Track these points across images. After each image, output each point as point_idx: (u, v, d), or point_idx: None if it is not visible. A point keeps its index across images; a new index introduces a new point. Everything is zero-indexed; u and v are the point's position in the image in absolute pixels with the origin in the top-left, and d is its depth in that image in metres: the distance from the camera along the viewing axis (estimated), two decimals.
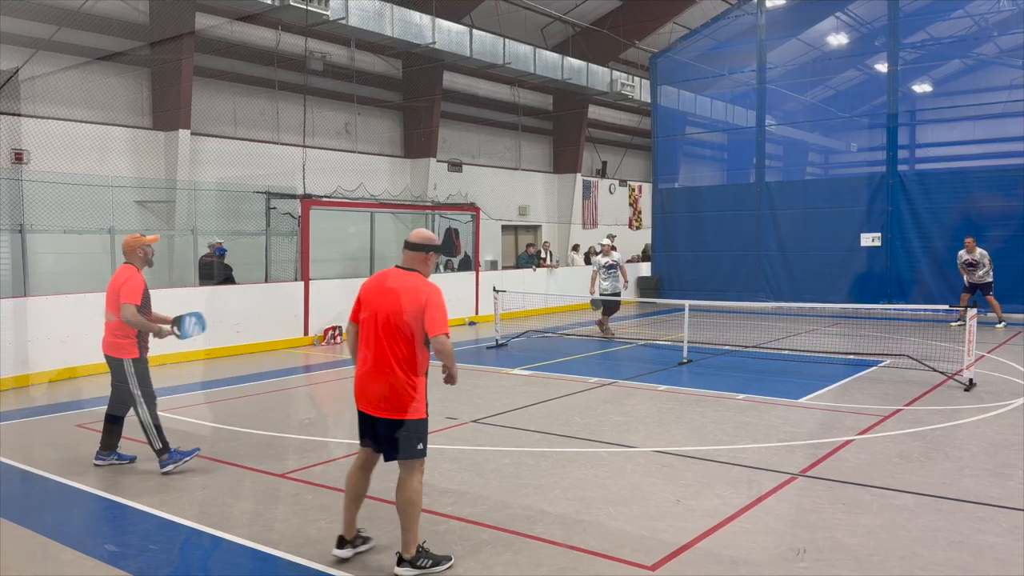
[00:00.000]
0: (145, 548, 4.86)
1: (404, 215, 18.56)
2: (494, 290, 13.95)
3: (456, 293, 16.91)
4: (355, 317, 4.61)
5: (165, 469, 6.24)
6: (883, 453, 6.65)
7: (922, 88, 22.14)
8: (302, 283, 13.91)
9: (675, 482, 5.95)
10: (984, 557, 4.56)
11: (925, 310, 15.77)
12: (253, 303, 13.23)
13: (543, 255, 21.22)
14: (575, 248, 24.01)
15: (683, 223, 21.17)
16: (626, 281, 14.87)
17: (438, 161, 21.63)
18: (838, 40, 21.59)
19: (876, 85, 20.03)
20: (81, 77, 14.79)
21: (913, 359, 10.67)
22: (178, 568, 4.66)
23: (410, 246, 4.53)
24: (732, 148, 22.99)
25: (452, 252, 19.04)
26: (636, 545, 4.76)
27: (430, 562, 4.42)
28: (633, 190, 29.86)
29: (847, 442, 7.02)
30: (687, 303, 12.54)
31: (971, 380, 9.28)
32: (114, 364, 6.29)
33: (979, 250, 14.90)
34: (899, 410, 8.25)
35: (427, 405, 4.47)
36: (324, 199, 14.64)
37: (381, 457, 4.57)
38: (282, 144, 18.00)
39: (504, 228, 24.39)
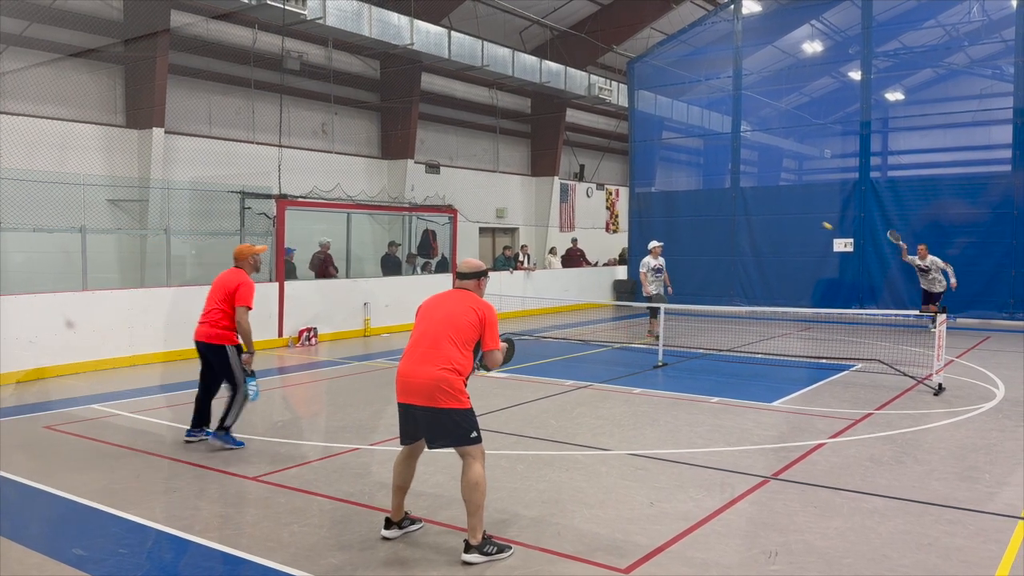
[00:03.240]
0: (114, 552, 4.79)
1: (381, 216, 18.49)
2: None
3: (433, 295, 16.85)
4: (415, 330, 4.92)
5: (214, 441, 7.02)
6: (854, 456, 6.72)
7: (894, 96, 22.48)
8: (277, 284, 13.80)
9: (649, 485, 5.97)
10: (952, 559, 4.62)
11: (896, 315, 15.98)
12: None
13: (520, 258, 21.25)
14: (552, 251, 24.07)
15: (659, 227, 21.27)
16: (670, 287, 14.76)
17: (416, 162, 21.58)
18: (813, 48, 21.86)
19: (850, 92, 20.28)
20: (53, 74, 14.58)
21: (884, 363, 10.81)
22: (147, 572, 4.59)
23: (461, 276, 5.00)
24: (708, 153, 23.16)
25: (429, 254, 18.99)
26: (610, 548, 4.77)
27: (495, 549, 4.62)
28: (610, 194, 29.99)
29: (819, 445, 7.09)
30: (662, 306, 12.61)
31: (940, 385, 9.41)
32: (216, 350, 7.09)
33: (931, 257, 14.85)
34: (870, 414, 8.35)
35: (469, 399, 4.71)
36: (300, 199, 14.54)
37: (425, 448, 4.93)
38: (258, 144, 17.86)
39: (482, 230, 24.38)
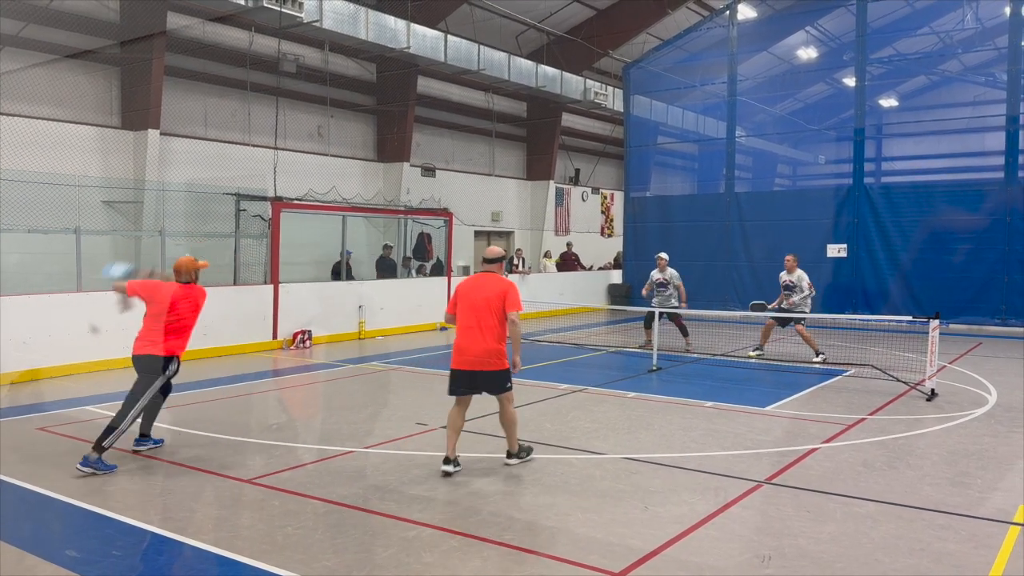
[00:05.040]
0: (108, 554, 4.79)
1: (376, 219, 18.48)
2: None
3: (428, 298, 16.88)
4: (452, 310, 6.59)
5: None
6: (847, 461, 6.75)
7: (888, 102, 22.56)
8: (271, 286, 13.79)
9: (643, 489, 5.99)
10: (943, 564, 4.65)
11: (889, 320, 16.02)
12: (221, 306, 13.06)
13: (515, 262, 21.26)
14: (547, 255, 24.09)
15: (654, 231, 21.33)
16: (684, 301, 13.83)
17: (411, 165, 21.57)
18: (807, 54, 21.95)
19: (844, 99, 20.38)
20: (49, 74, 14.54)
21: (877, 369, 10.86)
22: (141, 574, 4.58)
23: (487, 260, 6.63)
24: (703, 158, 23.24)
25: (424, 257, 19.00)
26: (604, 551, 4.79)
27: (526, 453, 6.70)
28: (605, 198, 30.02)
29: (812, 450, 7.12)
30: (657, 311, 12.64)
31: (933, 390, 9.46)
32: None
33: (799, 271, 12.58)
34: (863, 419, 8.38)
35: (508, 359, 6.42)
36: (295, 201, 14.54)
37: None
38: (253, 146, 17.84)
39: (477, 234, 24.38)
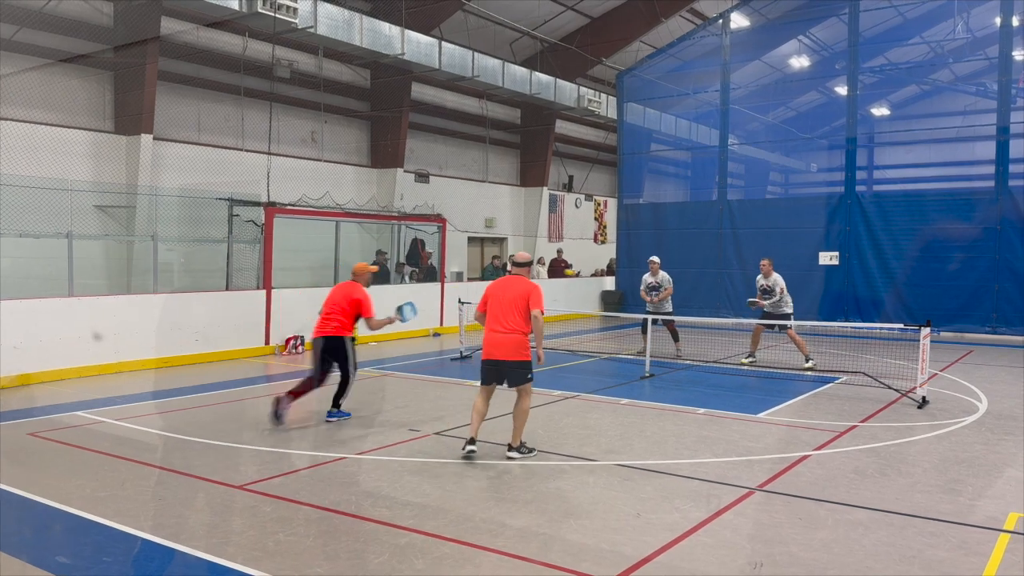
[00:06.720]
0: (98, 560, 4.77)
1: (370, 225, 18.47)
2: (459, 302, 13.91)
3: (421, 304, 16.84)
4: (482, 308, 7.21)
5: (330, 419, 8.49)
6: (839, 469, 6.77)
7: (880, 111, 22.73)
8: (264, 292, 13.77)
9: (635, 495, 5.99)
10: (934, 571, 4.67)
11: (881, 328, 16.09)
12: (213, 311, 13.06)
13: (509, 268, 21.24)
14: (540, 261, 24.13)
15: (647, 238, 21.39)
16: (668, 297, 13.60)
17: (405, 171, 21.59)
18: (800, 62, 22.09)
19: (836, 107, 20.49)
20: (42, 79, 14.51)
21: (869, 376, 10.89)
22: None
23: (516, 264, 7.35)
24: (695, 166, 23.33)
25: (418, 263, 18.99)
26: (596, 558, 4.79)
27: (527, 450, 7.05)
28: (598, 205, 30.10)
29: (804, 457, 7.14)
30: (650, 317, 12.66)
31: (924, 398, 9.49)
32: (338, 342, 8.43)
33: (775, 275, 12.63)
34: (855, 426, 8.41)
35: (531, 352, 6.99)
36: (289, 207, 14.52)
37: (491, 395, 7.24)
38: (247, 151, 17.83)
39: (470, 240, 24.40)
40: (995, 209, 16.82)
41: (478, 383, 7.20)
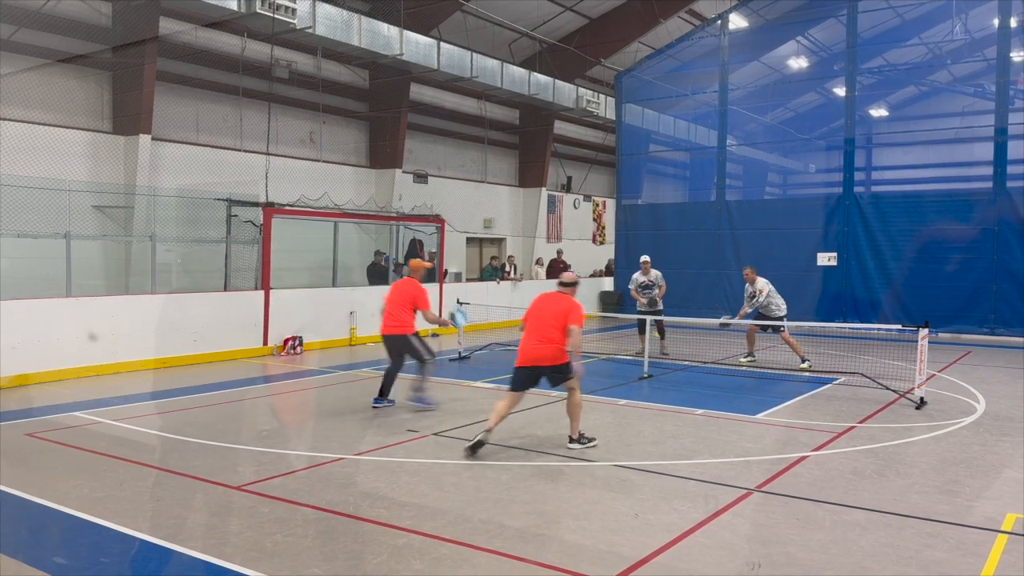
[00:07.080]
0: (95, 561, 4.76)
1: (368, 225, 18.46)
2: (458, 302, 13.92)
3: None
4: (526, 319, 7.58)
5: (419, 405, 9.04)
6: (837, 469, 6.78)
7: (878, 112, 22.74)
8: (262, 292, 13.76)
9: (634, 496, 5.99)
10: (932, 572, 4.67)
11: (879, 329, 16.10)
12: (211, 311, 13.04)
13: (507, 268, 21.26)
14: (539, 262, 24.11)
15: (645, 239, 21.39)
16: (661, 296, 13.76)
17: (404, 172, 21.58)
18: (798, 63, 22.08)
19: (834, 108, 20.50)
20: (40, 79, 14.49)
21: (867, 377, 10.90)
22: None
23: (563, 284, 7.71)
24: (694, 167, 23.34)
25: None
26: (594, 559, 4.79)
27: (587, 440, 7.44)
28: (597, 205, 30.10)
29: (802, 458, 7.14)
30: (648, 318, 12.66)
31: (922, 399, 9.50)
32: (400, 339, 9.06)
33: (760, 280, 12.73)
34: (853, 427, 8.41)
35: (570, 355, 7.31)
36: (287, 207, 14.51)
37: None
38: (245, 151, 17.82)
39: (469, 240, 24.40)
40: (993, 210, 16.84)
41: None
